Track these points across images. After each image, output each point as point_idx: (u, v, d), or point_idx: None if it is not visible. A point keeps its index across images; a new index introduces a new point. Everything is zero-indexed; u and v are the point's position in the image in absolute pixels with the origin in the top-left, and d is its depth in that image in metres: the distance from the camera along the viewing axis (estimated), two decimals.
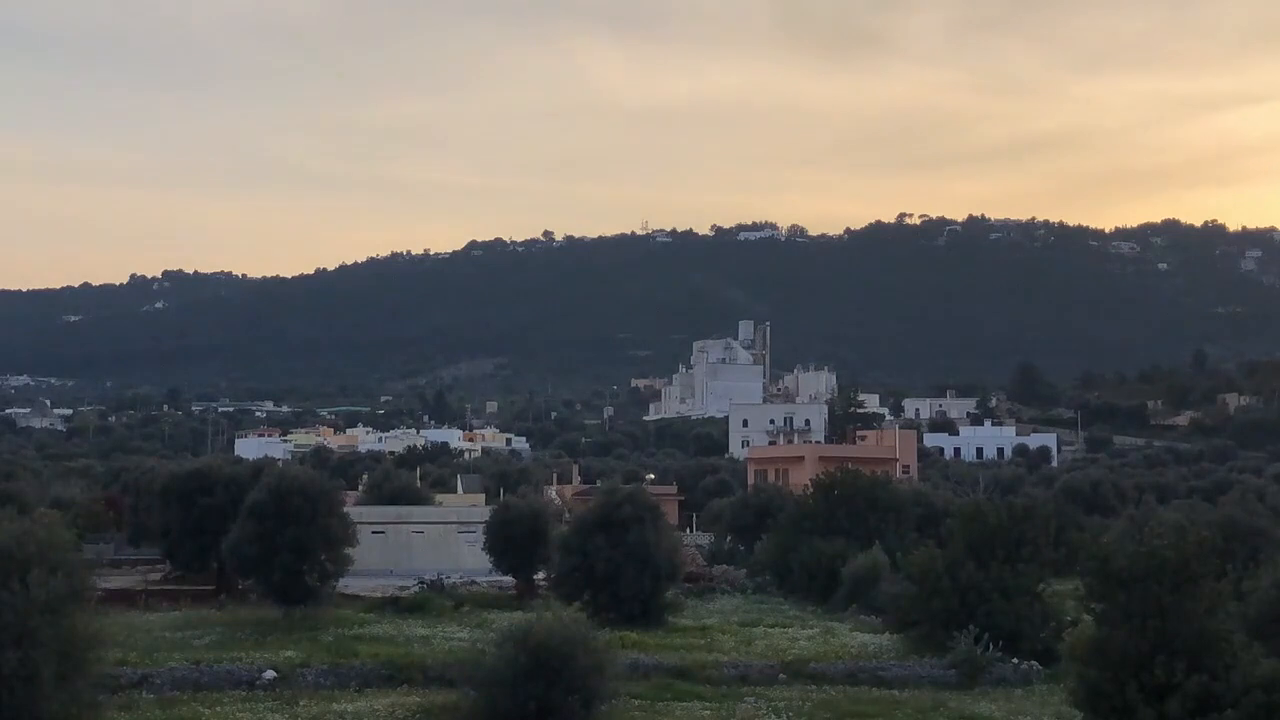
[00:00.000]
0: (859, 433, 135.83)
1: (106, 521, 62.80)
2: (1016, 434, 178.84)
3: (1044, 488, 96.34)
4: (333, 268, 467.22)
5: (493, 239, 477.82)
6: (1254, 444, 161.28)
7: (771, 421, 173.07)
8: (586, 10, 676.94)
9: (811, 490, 56.69)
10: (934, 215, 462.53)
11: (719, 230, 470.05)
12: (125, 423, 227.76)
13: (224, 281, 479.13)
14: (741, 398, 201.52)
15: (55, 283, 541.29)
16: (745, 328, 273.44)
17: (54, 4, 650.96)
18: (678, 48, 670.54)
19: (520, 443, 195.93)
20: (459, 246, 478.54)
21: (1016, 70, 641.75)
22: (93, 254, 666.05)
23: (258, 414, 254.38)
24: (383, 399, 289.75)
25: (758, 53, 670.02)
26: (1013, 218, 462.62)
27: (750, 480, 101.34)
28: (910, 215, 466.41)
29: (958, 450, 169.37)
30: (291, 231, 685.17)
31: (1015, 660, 31.87)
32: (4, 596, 19.60)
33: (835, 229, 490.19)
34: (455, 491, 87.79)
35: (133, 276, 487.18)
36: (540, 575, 47.22)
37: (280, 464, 62.95)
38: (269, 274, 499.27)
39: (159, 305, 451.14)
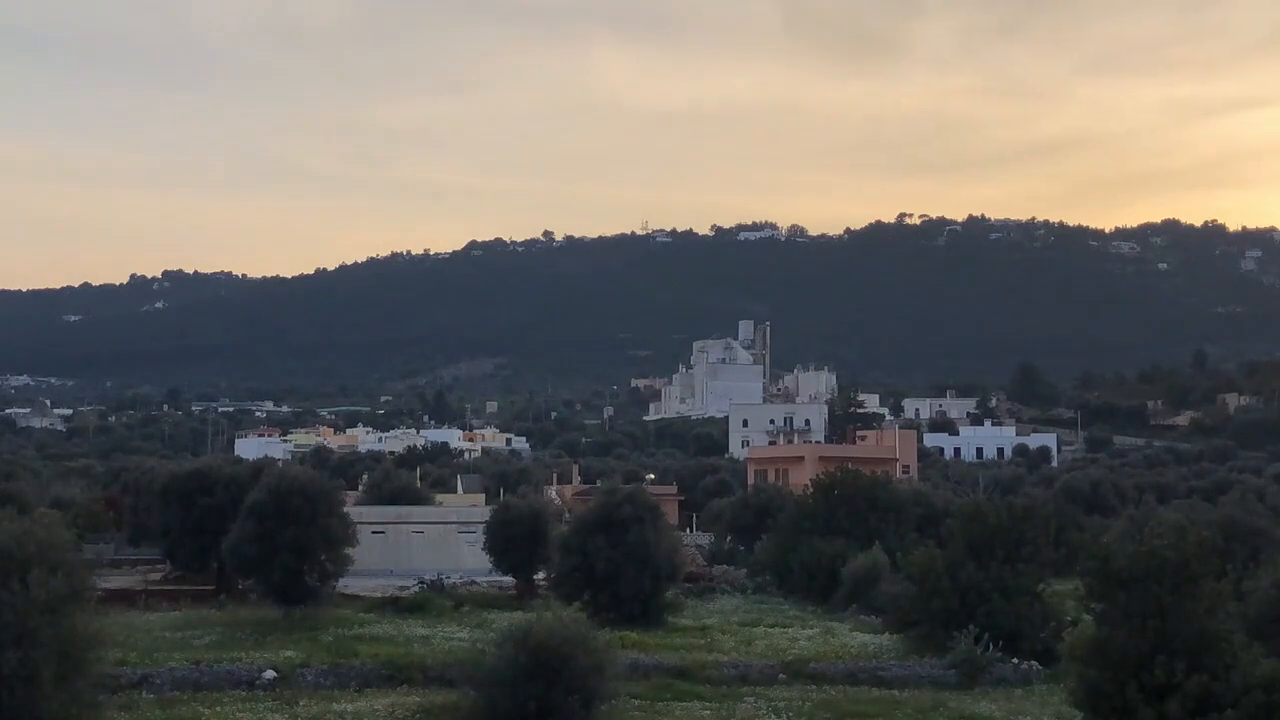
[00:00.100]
0: (859, 433, 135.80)
1: (106, 521, 62.78)
2: (1016, 434, 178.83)
3: (1044, 488, 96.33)
4: (333, 268, 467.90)
5: (493, 239, 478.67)
6: (1254, 444, 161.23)
7: (771, 421, 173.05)
8: (592, 13, 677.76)
9: (811, 490, 56.69)
10: (934, 215, 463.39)
11: (719, 230, 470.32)
12: (125, 423, 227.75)
13: (224, 281, 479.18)
14: (741, 398, 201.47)
15: (55, 283, 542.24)
16: (745, 328, 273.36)
17: (53, 4, 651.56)
18: (685, 51, 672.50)
19: (520, 443, 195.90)
20: (459, 246, 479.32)
21: (1024, 74, 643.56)
22: (93, 254, 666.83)
23: (258, 414, 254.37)
24: (383, 399, 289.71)
25: (766, 56, 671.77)
26: (1013, 218, 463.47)
27: (750, 480, 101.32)
28: (910, 215, 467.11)
29: (958, 450, 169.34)
30: (291, 231, 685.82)
31: (1015, 660, 31.87)
32: (4, 596, 19.60)
33: (835, 229, 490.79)
34: (455, 491, 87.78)
35: (133, 276, 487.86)
36: (540, 575, 47.22)
37: (280, 464, 62.96)
38: (269, 274, 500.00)
39: (159, 305, 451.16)
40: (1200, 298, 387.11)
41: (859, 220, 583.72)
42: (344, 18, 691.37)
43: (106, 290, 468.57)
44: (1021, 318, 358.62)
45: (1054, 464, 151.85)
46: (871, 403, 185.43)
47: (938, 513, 56.39)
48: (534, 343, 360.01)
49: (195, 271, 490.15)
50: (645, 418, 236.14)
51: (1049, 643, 30.84)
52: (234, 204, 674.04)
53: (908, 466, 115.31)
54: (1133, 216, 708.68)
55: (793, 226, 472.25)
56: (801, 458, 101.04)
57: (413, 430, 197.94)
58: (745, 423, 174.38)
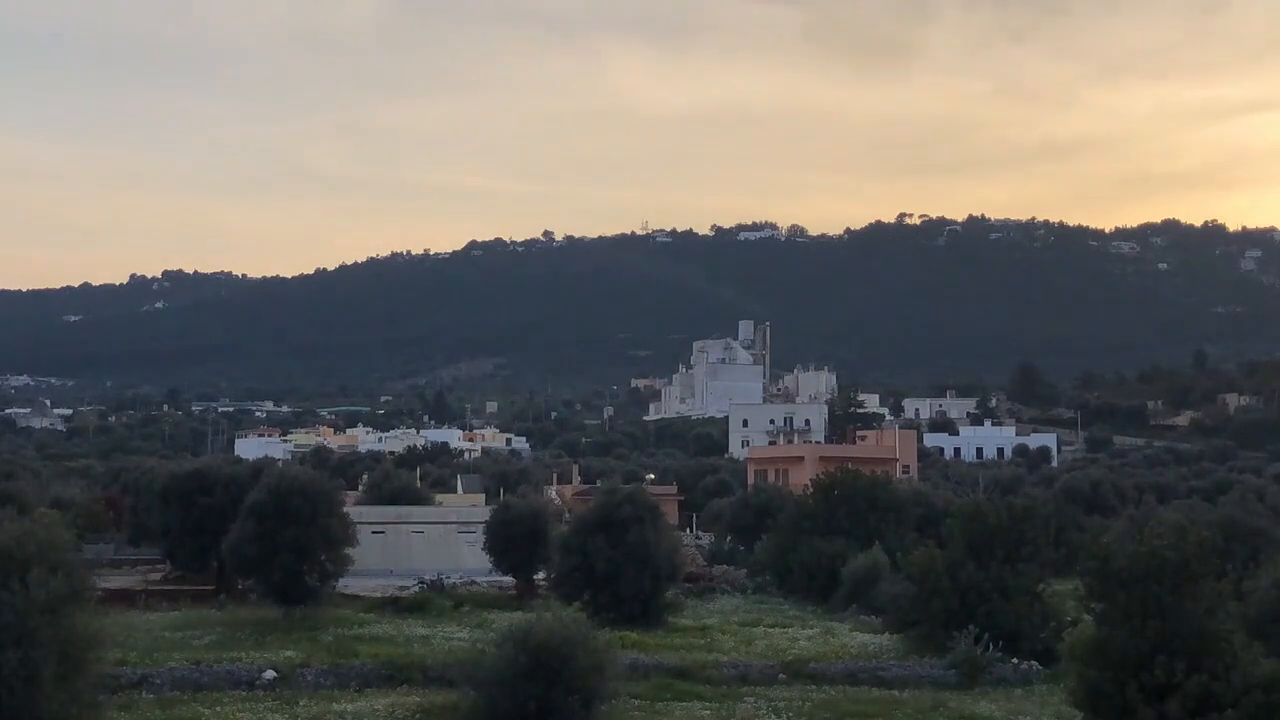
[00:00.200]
0: (859, 433, 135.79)
1: (106, 521, 62.76)
2: (1016, 434, 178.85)
3: (1044, 488, 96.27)
4: (333, 268, 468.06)
5: (493, 239, 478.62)
6: (1254, 444, 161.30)
7: (771, 421, 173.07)
8: (605, 18, 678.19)
9: (811, 490, 56.63)
10: (934, 215, 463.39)
11: (719, 230, 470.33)
12: (125, 423, 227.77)
13: (224, 281, 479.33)
14: (741, 398, 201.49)
15: (55, 283, 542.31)
16: (745, 328, 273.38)
17: (53, 5, 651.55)
18: (691, 56, 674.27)
19: (520, 443, 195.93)
20: (459, 246, 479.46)
21: (1033, 79, 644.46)
22: (93, 254, 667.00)
23: (258, 414, 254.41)
24: (383, 399, 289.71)
25: (779, 61, 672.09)
26: (1013, 218, 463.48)
27: (750, 480, 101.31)
28: (910, 215, 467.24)
29: (958, 450, 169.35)
30: (291, 231, 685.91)
31: (1015, 660, 31.84)
32: (4, 596, 19.58)
33: (835, 229, 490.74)
34: (455, 491, 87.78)
35: (133, 276, 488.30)
36: (540, 575, 47.21)
37: (280, 464, 62.93)
38: (269, 274, 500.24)
39: (159, 305, 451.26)
40: (1200, 298, 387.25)
41: (859, 220, 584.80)
42: (345, 21, 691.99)
43: (106, 290, 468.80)
44: (1021, 318, 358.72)
45: (1054, 464, 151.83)
46: (871, 403, 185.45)
47: (938, 513, 56.33)
48: (534, 343, 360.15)
49: (195, 271, 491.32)
50: (645, 418, 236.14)
51: (1049, 643, 30.84)
52: (234, 204, 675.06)
53: (908, 466, 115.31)
54: (1133, 216, 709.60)
55: (793, 226, 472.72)
56: (801, 458, 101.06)
57: (413, 430, 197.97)
58: (745, 423, 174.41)
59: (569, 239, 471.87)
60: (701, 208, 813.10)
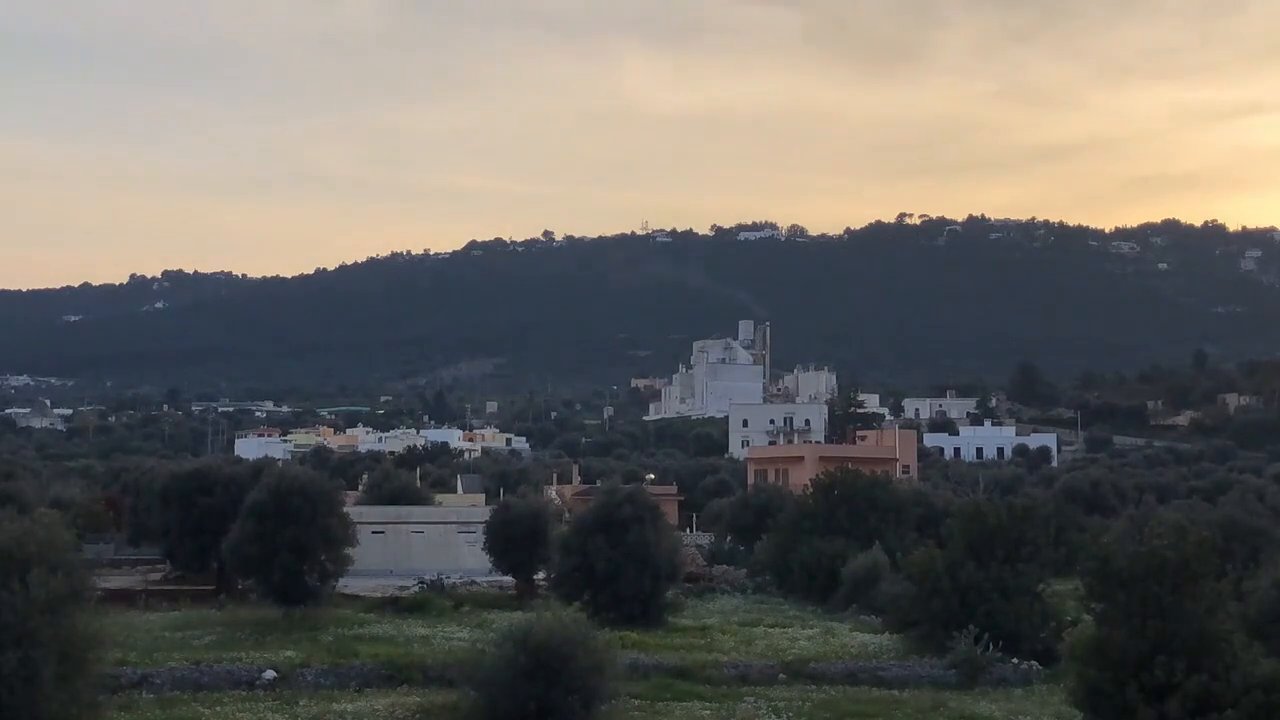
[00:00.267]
0: (859, 433, 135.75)
1: (106, 521, 62.75)
2: (1016, 434, 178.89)
3: (1044, 488, 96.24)
4: (333, 268, 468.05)
5: (493, 239, 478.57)
6: (1254, 444, 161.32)
7: (771, 421, 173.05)
8: (612, 21, 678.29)
9: (811, 490, 56.65)
10: (934, 215, 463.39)
11: (719, 230, 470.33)
12: (125, 423, 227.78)
13: (224, 281, 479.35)
14: (741, 398, 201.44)
15: (55, 283, 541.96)
16: (745, 328, 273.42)
17: (53, 5, 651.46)
18: (696, 58, 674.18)
19: (520, 443, 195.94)
20: (459, 246, 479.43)
21: (1038, 81, 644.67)
22: (93, 254, 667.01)
23: (258, 414, 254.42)
24: (383, 399, 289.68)
25: (780, 63, 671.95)
26: (1013, 218, 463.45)
27: (750, 480, 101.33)
28: (910, 215, 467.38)
29: (958, 450, 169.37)
30: (291, 231, 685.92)
31: (1015, 660, 31.84)
32: (4, 596, 19.57)
33: (835, 229, 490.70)
34: (455, 491, 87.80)
35: (133, 276, 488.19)
36: (540, 575, 47.20)
37: (280, 464, 62.92)
38: (269, 274, 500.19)
39: (159, 305, 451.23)
40: (1200, 298, 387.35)
41: (859, 220, 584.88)
42: (346, 23, 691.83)
43: (106, 290, 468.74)
44: (1021, 318, 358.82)
45: (1054, 464, 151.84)
46: (871, 403, 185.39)
47: (938, 513, 56.34)
48: (534, 343, 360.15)
49: (195, 271, 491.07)
50: (645, 418, 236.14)
51: (1049, 643, 30.81)
52: (234, 204, 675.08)
53: (908, 466, 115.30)
54: (1133, 216, 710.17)
55: (793, 226, 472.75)
56: (801, 458, 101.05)
57: (413, 430, 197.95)
58: (745, 423, 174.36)
59: (569, 239, 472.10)
60: (701, 208, 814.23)
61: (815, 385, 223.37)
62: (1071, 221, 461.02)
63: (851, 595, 44.51)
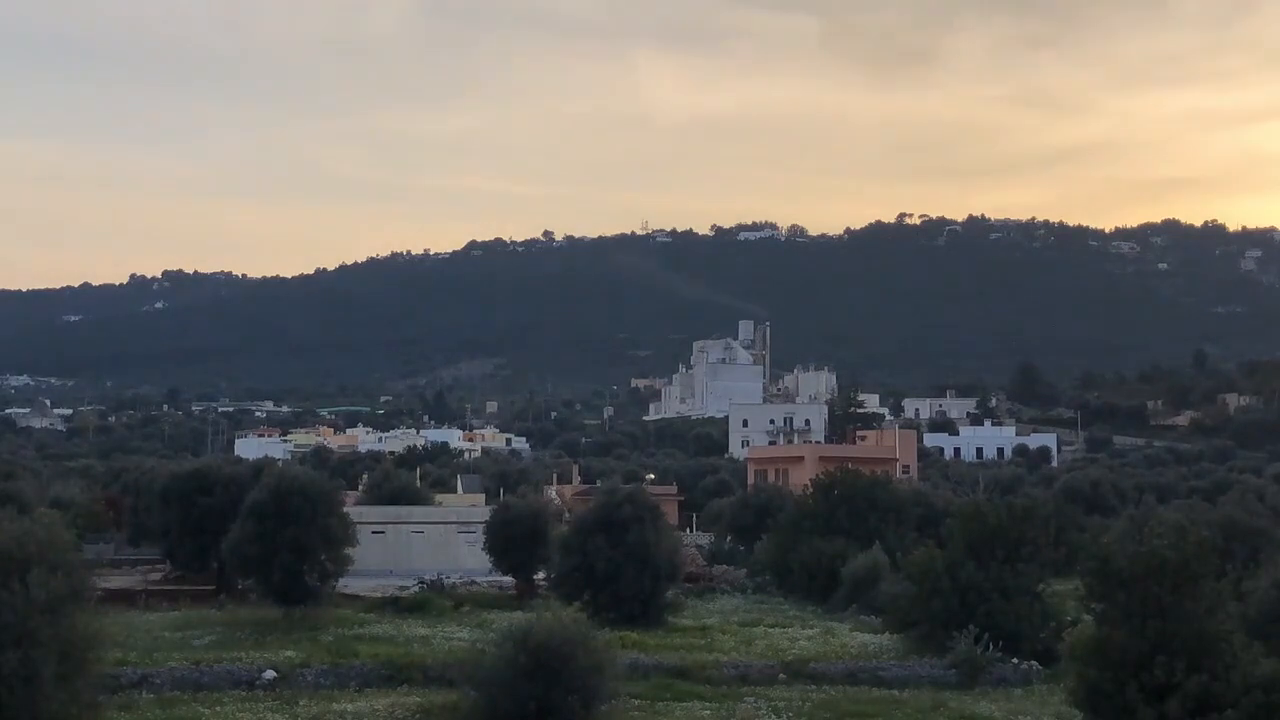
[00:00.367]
0: (859, 433, 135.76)
1: (106, 521, 62.78)
2: (1016, 434, 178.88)
3: (1044, 488, 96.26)
4: (333, 268, 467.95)
5: (493, 239, 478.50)
6: (1254, 444, 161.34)
7: (771, 421, 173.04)
8: (607, 21, 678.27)
9: (811, 490, 56.65)
10: (934, 215, 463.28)
11: (719, 230, 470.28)
12: (125, 423, 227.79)
13: (224, 281, 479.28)
14: (741, 398, 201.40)
15: (55, 283, 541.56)
16: (745, 328, 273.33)
17: (53, 5, 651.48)
18: (703, 60, 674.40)
19: (520, 443, 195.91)
20: (459, 246, 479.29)
21: (1050, 86, 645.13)
22: (93, 254, 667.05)
23: (258, 414, 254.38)
24: (383, 399, 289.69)
25: (800, 70, 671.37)
26: (1013, 218, 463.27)
27: (750, 480, 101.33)
28: (910, 215, 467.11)
29: (958, 450, 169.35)
30: (291, 231, 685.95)
31: (1015, 660, 31.84)
32: (4, 596, 19.57)
33: (835, 229, 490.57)
34: (455, 491, 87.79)
35: (133, 276, 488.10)
36: (540, 575, 47.21)
37: (280, 464, 62.95)
38: (269, 274, 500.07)
39: (159, 305, 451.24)
40: (1200, 298, 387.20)
41: (859, 220, 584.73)
42: (346, 25, 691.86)
43: (106, 290, 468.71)
44: (1021, 318, 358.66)
45: (1054, 464, 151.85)
46: (871, 403, 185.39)
47: (938, 513, 56.36)
48: (534, 343, 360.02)
49: (195, 271, 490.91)
50: (645, 418, 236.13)
51: (1049, 643, 30.83)
52: (233, 204, 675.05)
53: (908, 466, 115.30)
54: (1133, 216, 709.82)
55: (793, 226, 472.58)
56: (801, 458, 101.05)
57: (413, 430, 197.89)
58: (745, 423, 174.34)
59: (569, 239, 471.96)
60: (701, 208, 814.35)
61: (815, 385, 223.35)
62: (1071, 221, 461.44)
63: (851, 595, 44.51)
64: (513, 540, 47.64)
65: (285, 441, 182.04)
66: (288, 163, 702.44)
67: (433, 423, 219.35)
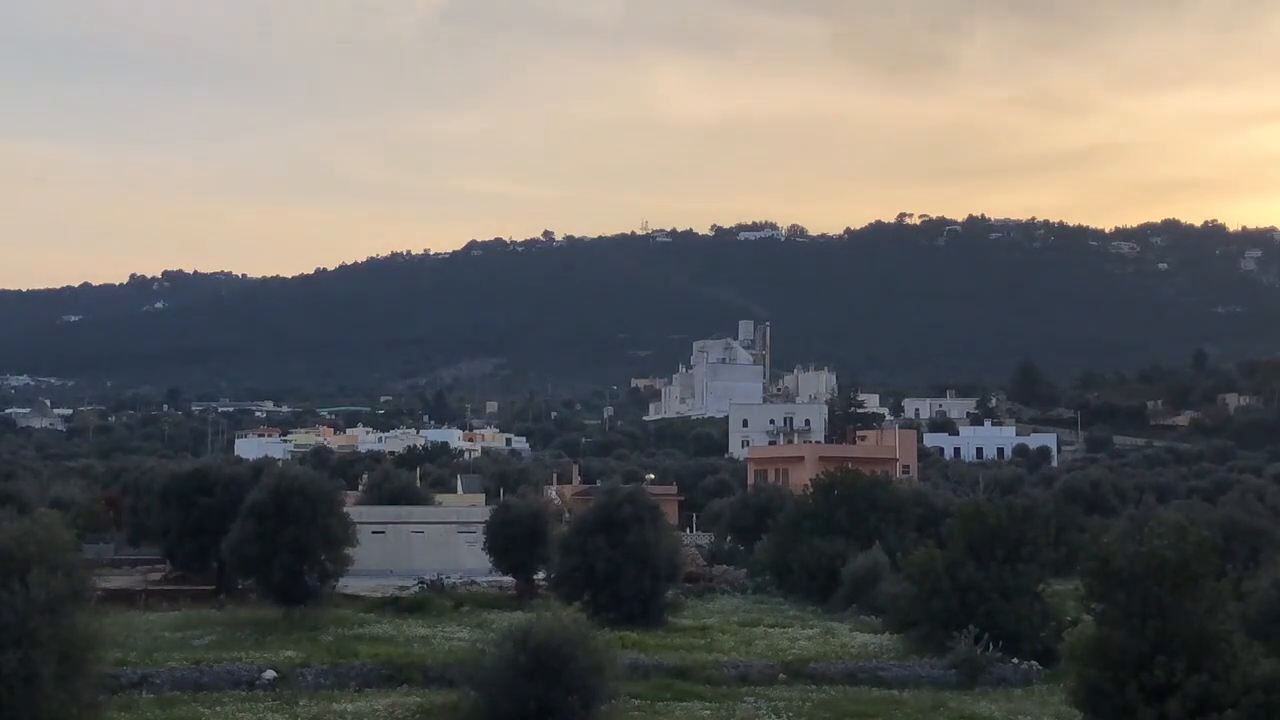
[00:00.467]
0: (859, 433, 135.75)
1: (106, 521, 62.78)
2: (1016, 434, 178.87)
3: (1044, 488, 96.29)
4: (333, 268, 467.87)
5: (493, 239, 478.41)
6: (1254, 444, 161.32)
7: (771, 421, 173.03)
8: (610, 24, 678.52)
9: (811, 490, 56.66)
10: (934, 215, 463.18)
11: (719, 230, 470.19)
12: (125, 423, 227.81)
13: (224, 281, 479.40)
14: (741, 398, 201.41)
15: (55, 283, 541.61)
16: (745, 328, 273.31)
17: (53, 6, 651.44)
18: (710, 64, 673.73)
19: (520, 443, 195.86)
20: (459, 246, 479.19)
21: (1057, 89, 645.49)
22: (93, 254, 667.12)
23: (258, 414, 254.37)
24: (383, 399, 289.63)
25: (809, 73, 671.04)
26: (1013, 218, 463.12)
27: (750, 480, 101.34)
28: (910, 215, 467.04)
29: (958, 450, 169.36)
30: (291, 231, 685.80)
31: (1015, 660, 31.84)
32: (4, 596, 19.59)
33: (835, 229, 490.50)
34: (455, 491, 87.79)
35: (133, 276, 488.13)
36: (540, 575, 47.21)
37: (280, 464, 62.95)
38: (269, 274, 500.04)
39: (159, 305, 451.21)
40: (1200, 298, 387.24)
41: (859, 220, 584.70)
42: (347, 26, 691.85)
43: (106, 290, 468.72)
44: (1021, 318, 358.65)
45: (1054, 464, 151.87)
46: (871, 403, 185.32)
47: (938, 513, 56.35)
48: (534, 343, 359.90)
49: (195, 271, 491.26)
50: (645, 418, 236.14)
51: (1049, 643, 30.77)
52: (233, 204, 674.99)
53: (908, 466, 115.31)
54: (1133, 217, 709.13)
55: (793, 226, 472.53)
56: (801, 458, 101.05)
57: (413, 430, 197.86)
58: (745, 423, 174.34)
59: (569, 239, 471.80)
60: (701, 208, 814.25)
61: (815, 385, 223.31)
62: (1072, 222, 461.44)
63: (851, 595, 44.50)
64: (513, 540, 47.64)
65: (285, 441, 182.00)
66: (288, 163, 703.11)
67: (433, 423, 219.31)
